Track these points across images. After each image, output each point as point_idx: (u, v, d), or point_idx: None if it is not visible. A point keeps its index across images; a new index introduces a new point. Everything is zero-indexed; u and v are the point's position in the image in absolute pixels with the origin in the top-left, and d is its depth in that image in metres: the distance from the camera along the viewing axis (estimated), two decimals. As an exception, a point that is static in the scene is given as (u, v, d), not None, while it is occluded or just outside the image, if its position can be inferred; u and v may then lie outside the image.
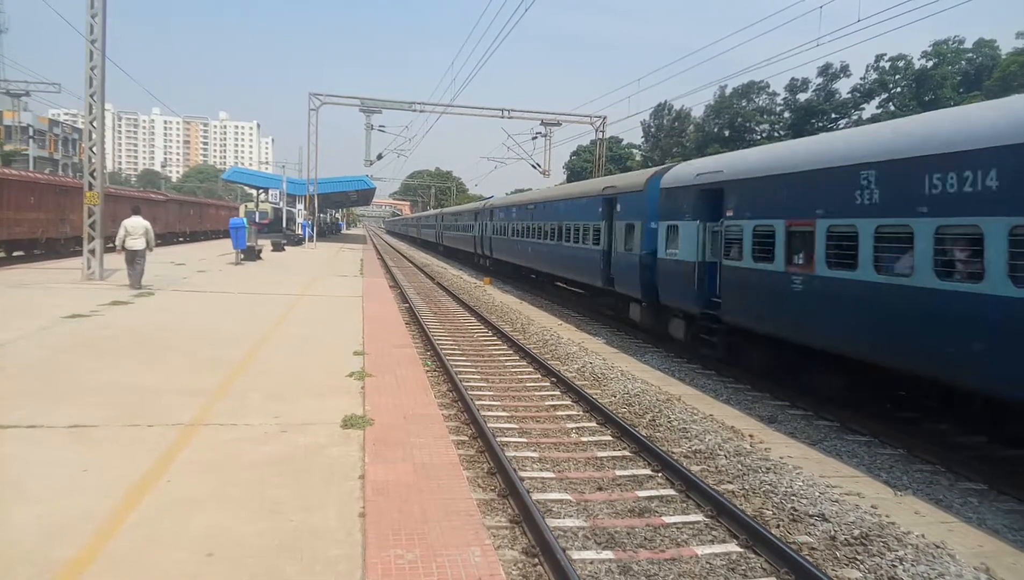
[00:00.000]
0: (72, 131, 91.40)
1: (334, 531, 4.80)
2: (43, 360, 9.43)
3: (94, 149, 18.90)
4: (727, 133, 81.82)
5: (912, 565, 5.52)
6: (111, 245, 20.98)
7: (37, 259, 27.38)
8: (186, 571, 4.17)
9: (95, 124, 18.66)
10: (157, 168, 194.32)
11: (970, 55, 70.27)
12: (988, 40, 69.44)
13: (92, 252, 19.01)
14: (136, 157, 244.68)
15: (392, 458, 6.34)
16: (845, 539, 6.05)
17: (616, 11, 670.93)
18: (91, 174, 18.85)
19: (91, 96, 18.41)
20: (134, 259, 17.60)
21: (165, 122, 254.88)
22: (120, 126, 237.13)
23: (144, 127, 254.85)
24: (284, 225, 54.58)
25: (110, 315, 13.33)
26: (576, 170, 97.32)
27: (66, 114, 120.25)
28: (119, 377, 8.65)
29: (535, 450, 8.40)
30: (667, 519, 6.54)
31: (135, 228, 17.50)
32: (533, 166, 46.90)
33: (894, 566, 5.54)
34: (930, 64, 70.80)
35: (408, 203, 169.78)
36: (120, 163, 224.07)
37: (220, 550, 4.44)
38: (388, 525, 4.95)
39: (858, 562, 5.71)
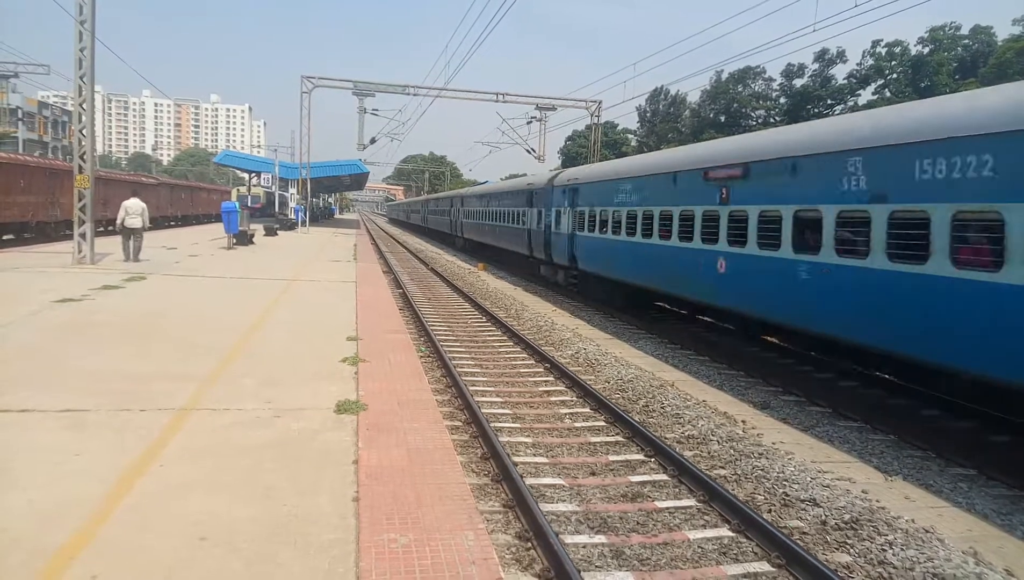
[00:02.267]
0: (62, 113, 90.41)
1: (328, 516, 4.81)
2: (34, 345, 9.38)
3: (84, 132, 18.71)
4: (723, 119, 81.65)
5: (902, 549, 5.57)
6: (101, 228, 21.60)
7: (27, 243, 27.17)
8: (179, 556, 4.17)
9: (85, 106, 18.46)
10: (148, 151, 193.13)
11: (966, 41, 70.15)
12: (984, 27, 69.32)
13: (83, 236, 18.88)
14: (126, 140, 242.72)
15: (386, 443, 6.34)
16: (836, 524, 6.10)
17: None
18: (81, 157, 18.67)
19: (81, 78, 18.20)
20: (132, 236, 20.21)
21: (156, 105, 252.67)
22: (110, 108, 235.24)
23: (135, 109, 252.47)
24: (276, 209, 54.28)
25: (101, 300, 13.25)
26: (571, 155, 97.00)
27: (56, 96, 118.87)
28: (111, 362, 8.61)
29: (529, 435, 8.42)
30: (660, 504, 6.57)
31: (134, 208, 20.11)
32: (528, 151, 46.71)
33: (884, 550, 5.59)
34: (926, 50, 70.66)
35: (402, 188, 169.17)
36: (110, 146, 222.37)
37: (213, 535, 4.44)
38: (382, 510, 4.96)
39: (848, 546, 5.76)
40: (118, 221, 20.39)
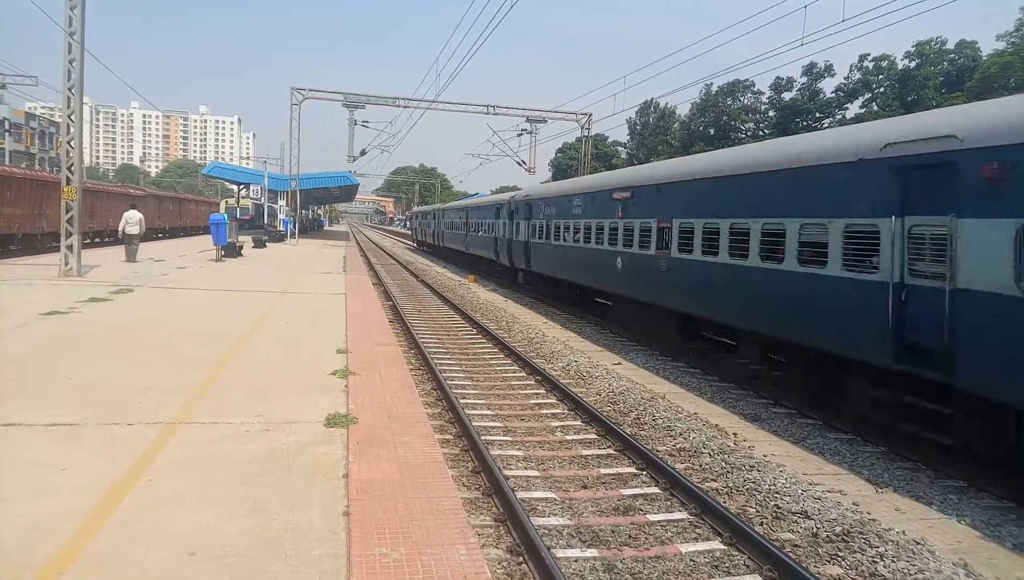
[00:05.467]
0: (49, 125, 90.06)
1: (318, 530, 4.77)
2: (20, 358, 9.28)
3: (72, 143, 18.61)
4: (712, 132, 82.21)
5: (892, 561, 5.58)
6: (88, 240, 23.36)
7: (13, 255, 26.92)
8: (168, 570, 4.13)
9: (73, 118, 18.38)
10: (136, 163, 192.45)
11: (952, 56, 70.97)
12: (970, 41, 70.20)
13: (70, 248, 18.74)
14: (114, 151, 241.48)
15: (376, 457, 6.31)
16: (827, 536, 6.11)
17: (603, 9, 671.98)
18: (69, 169, 18.56)
19: (69, 89, 18.12)
20: (131, 241, 24.65)
21: (144, 116, 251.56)
22: (98, 120, 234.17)
23: (123, 121, 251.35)
24: (265, 221, 54.10)
25: (89, 312, 13.15)
26: (562, 168, 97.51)
27: (43, 107, 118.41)
28: (98, 375, 8.54)
29: (520, 448, 8.40)
30: (651, 517, 6.56)
31: (133, 218, 24.50)
32: (519, 163, 46.89)
33: (875, 562, 5.60)
34: (913, 64, 71.46)
35: (392, 200, 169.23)
36: (98, 157, 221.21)
37: (202, 549, 4.39)
38: (373, 524, 4.93)
39: (840, 558, 5.77)
40: (120, 229, 25.03)
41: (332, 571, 4.24)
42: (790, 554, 5.68)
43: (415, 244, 65.52)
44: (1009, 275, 6.84)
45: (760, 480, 7.30)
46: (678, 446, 8.56)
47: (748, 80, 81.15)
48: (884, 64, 73.07)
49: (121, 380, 8.34)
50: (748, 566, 5.68)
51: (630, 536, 6.16)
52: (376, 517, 5.04)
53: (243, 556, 4.35)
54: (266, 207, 56.51)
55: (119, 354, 9.78)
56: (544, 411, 10.10)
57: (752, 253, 10.99)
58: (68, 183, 18.50)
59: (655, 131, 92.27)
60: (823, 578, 5.37)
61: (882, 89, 73.14)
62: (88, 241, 28.97)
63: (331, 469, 5.91)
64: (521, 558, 5.49)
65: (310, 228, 76.37)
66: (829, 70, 75.64)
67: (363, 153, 45.27)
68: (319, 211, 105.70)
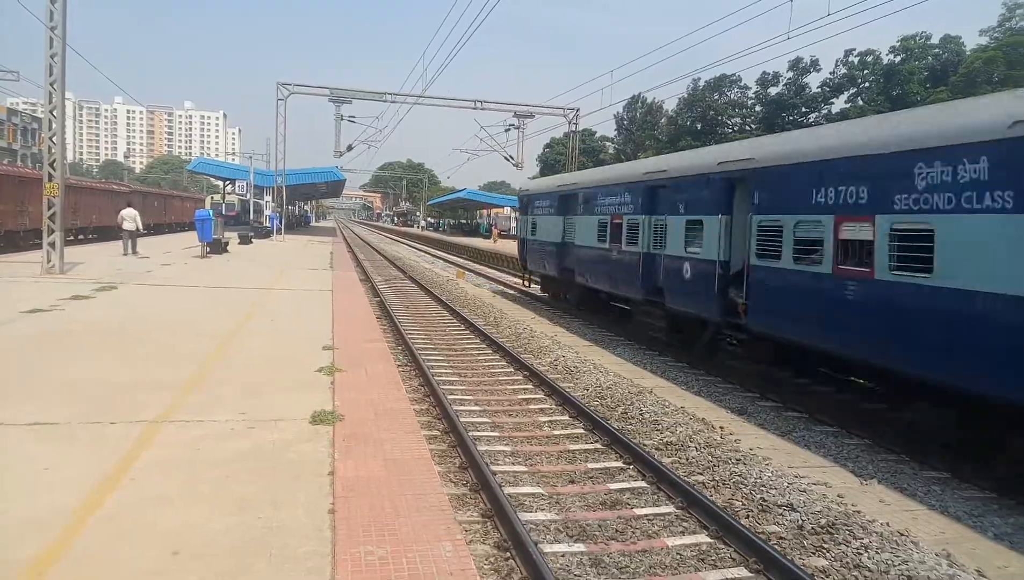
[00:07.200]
0: (31, 120, 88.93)
1: (303, 528, 4.75)
2: (2, 356, 9.18)
3: (54, 139, 18.39)
4: (699, 126, 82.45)
5: (877, 552, 5.63)
6: (71, 237, 23.73)
7: (-5, 252, 26.63)
8: (152, 569, 4.10)
9: (55, 113, 18.15)
10: (120, 159, 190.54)
11: (937, 51, 71.56)
12: (954, 36, 70.82)
13: (52, 245, 18.54)
14: (98, 147, 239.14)
15: (362, 454, 6.29)
16: (812, 528, 6.15)
17: (595, 8, 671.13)
18: (51, 165, 18.35)
19: (51, 85, 17.89)
20: (128, 236, 26.50)
21: (128, 111, 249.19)
22: (81, 115, 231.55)
23: (106, 116, 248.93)
24: (251, 217, 53.76)
25: (72, 310, 13.01)
26: (549, 163, 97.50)
27: (25, 103, 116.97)
28: (81, 373, 8.45)
29: (507, 444, 8.40)
30: (638, 511, 6.58)
31: (129, 215, 26.53)
32: (506, 158, 46.78)
33: (859, 553, 5.65)
34: (898, 59, 72.00)
35: (379, 195, 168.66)
36: (81, 153, 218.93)
37: (187, 548, 4.36)
38: (358, 521, 4.91)
39: (825, 550, 5.81)
40: (118, 224, 27.28)
41: (317, 569, 4.22)
42: (776, 547, 5.72)
43: (531, 283, 25.22)
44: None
45: (746, 473, 7.34)
46: (665, 440, 8.59)
47: (735, 75, 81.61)
48: (869, 59, 73.60)
49: (104, 378, 8.26)
50: (734, 559, 5.71)
51: (617, 530, 6.18)
52: (362, 514, 5.02)
53: (228, 554, 4.32)
54: (252, 203, 56.16)
55: (102, 352, 9.68)
56: (532, 406, 10.10)
57: None
58: (50, 179, 18.29)
59: (642, 126, 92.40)
60: (808, 570, 5.41)
61: (867, 84, 73.66)
62: (71, 238, 28.82)
63: (317, 467, 5.89)
64: (508, 554, 5.49)
65: (296, 224, 75.99)
66: (815, 65, 76.16)
67: (350, 148, 45.03)
68: (306, 207, 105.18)
